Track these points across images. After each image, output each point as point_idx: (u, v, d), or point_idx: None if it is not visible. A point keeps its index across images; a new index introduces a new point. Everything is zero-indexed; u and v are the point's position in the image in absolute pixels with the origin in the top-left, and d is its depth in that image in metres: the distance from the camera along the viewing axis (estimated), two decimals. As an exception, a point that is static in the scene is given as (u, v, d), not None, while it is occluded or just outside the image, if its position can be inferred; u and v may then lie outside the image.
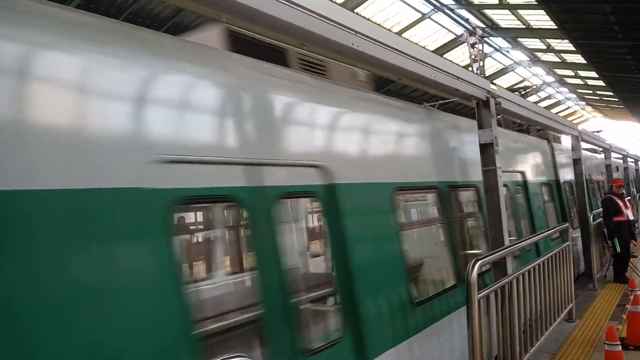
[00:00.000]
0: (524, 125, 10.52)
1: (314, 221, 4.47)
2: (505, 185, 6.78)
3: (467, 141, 6.34)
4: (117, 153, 2.51)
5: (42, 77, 2.32)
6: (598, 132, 20.25)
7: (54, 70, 2.36)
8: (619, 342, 4.48)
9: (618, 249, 8.66)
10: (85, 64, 2.51)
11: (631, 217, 9.23)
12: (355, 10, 18.90)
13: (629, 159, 19.68)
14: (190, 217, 3.96)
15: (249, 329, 3.57)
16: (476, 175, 5.93)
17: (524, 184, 8.37)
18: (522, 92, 17.53)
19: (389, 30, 20.77)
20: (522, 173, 8.40)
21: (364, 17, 19.38)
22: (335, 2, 17.81)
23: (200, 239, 4.34)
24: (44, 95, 2.30)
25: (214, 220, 4.34)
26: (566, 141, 11.79)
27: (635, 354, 5.13)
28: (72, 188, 2.27)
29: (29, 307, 2.04)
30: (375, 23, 19.94)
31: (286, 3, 3.06)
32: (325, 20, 3.41)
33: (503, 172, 5.83)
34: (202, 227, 4.43)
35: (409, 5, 20.56)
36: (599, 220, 9.19)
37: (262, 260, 3.27)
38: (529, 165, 8.83)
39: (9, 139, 2.10)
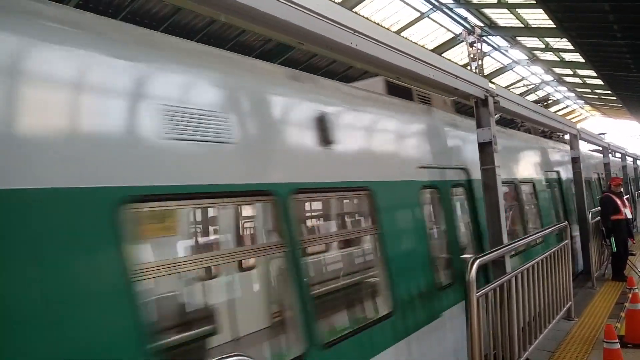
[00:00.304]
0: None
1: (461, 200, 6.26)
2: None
3: None
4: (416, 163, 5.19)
5: None
6: (603, 134, 20.34)
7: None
8: (617, 340, 4.49)
9: (614, 249, 8.69)
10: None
11: (629, 216, 9.24)
12: (354, 9, 18.91)
13: (627, 158, 19.69)
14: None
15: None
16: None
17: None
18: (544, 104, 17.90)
19: (387, 29, 20.78)
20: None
21: (363, 16, 19.38)
22: (334, 1, 17.81)
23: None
24: None
25: (433, 198, 5.64)
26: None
27: (633, 352, 5.15)
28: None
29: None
30: (374, 22, 19.94)
31: (285, 2, 3.06)
32: (324, 19, 3.41)
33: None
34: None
35: (407, 4, 20.57)
36: (597, 218, 9.21)
37: (451, 219, 5.67)
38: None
39: None
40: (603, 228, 8.99)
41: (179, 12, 15.52)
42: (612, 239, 8.60)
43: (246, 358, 2.03)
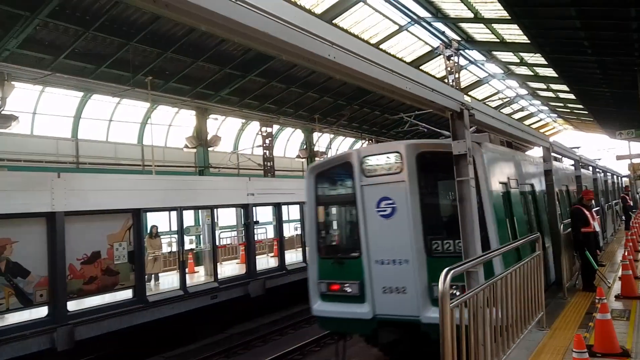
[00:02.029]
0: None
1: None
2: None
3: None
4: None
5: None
6: (577, 147, 20.87)
7: None
8: (586, 350, 4.58)
9: (596, 266, 8.89)
10: None
11: (597, 229, 9.48)
12: (334, 21, 19.05)
13: (597, 171, 20.19)
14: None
15: None
16: None
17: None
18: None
19: (366, 41, 20.99)
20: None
21: (342, 28, 19.55)
22: (313, 13, 17.93)
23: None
24: None
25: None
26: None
27: (602, 361, 5.26)
28: None
29: None
30: (353, 34, 20.12)
31: (262, 14, 3.08)
32: (302, 31, 3.44)
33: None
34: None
35: (386, 17, 20.82)
36: (568, 230, 9.41)
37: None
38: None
39: None
40: (576, 239, 9.15)
41: (157, 20, 15.40)
42: (588, 253, 8.78)
43: None
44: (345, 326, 8.04)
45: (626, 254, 9.26)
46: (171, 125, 22.84)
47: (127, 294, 11.08)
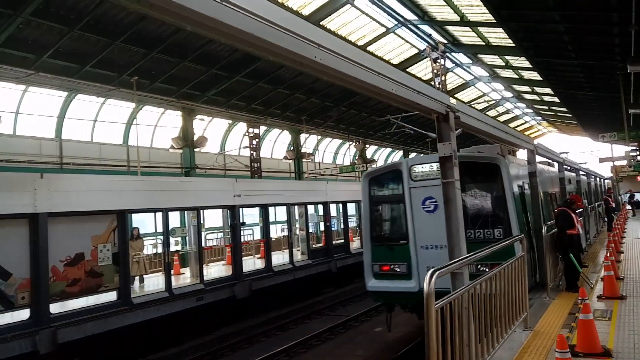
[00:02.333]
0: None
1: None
2: None
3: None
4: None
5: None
6: (566, 152, 21.24)
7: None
8: (568, 350, 4.64)
9: (580, 269, 9.03)
10: None
11: (581, 231, 9.64)
12: (321, 23, 19.07)
13: (581, 173, 20.48)
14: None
15: None
16: None
17: None
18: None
19: (354, 43, 21.06)
20: None
21: (330, 30, 19.59)
22: (301, 14, 17.93)
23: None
24: None
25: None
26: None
27: (584, 361, 5.33)
28: None
29: None
30: (341, 36, 20.18)
31: (248, 15, 3.07)
32: (287, 33, 3.44)
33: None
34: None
35: (373, 19, 20.91)
36: (553, 231, 9.54)
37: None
38: None
39: None
40: (562, 240, 9.27)
41: (143, 20, 15.28)
42: (572, 256, 8.92)
43: None
44: (395, 298, 9.95)
45: (608, 255, 9.39)
46: (157, 126, 22.67)
47: (111, 296, 10.95)
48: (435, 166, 9.56)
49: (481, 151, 10.89)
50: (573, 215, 9.32)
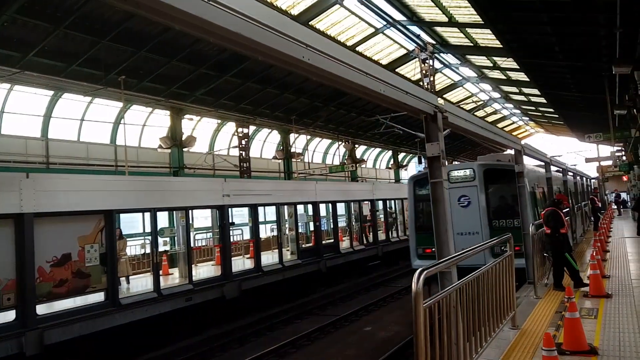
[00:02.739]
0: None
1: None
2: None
3: None
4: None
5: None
6: (559, 155, 21.64)
7: None
8: (554, 348, 4.68)
9: (576, 267, 9.13)
10: None
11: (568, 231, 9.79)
12: (310, 23, 19.07)
13: (568, 173, 20.69)
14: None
15: None
16: None
17: None
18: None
19: (343, 43, 21.08)
20: None
21: (319, 30, 19.59)
22: (290, 14, 17.91)
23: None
24: None
25: None
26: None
27: (570, 359, 5.39)
28: None
29: None
30: (330, 36, 20.19)
31: (235, 14, 3.06)
32: (275, 33, 3.43)
33: None
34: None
35: (362, 19, 20.95)
36: (540, 230, 9.64)
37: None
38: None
39: None
40: (556, 240, 9.36)
41: (131, 18, 15.15)
42: (568, 255, 9.04)
43: None
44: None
45: (594, 254, 9.49)
46: (145, 126, 22.50)
47: (99, 296, 10.86)
48: (467, 172, 12.38)
49: (499, 159, 13.29)
50: (562, 214, 9.45)
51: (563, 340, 5.78)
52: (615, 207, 34.69)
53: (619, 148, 31.92)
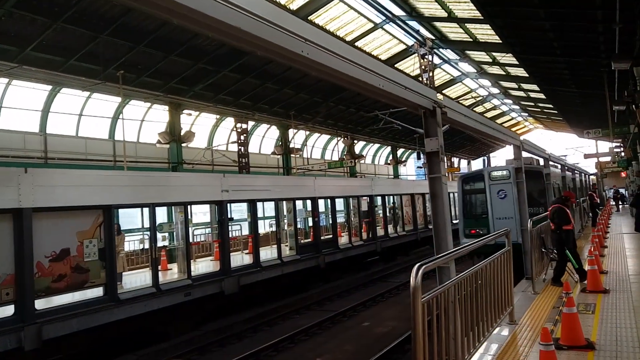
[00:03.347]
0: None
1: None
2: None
3: None
4: None
5: None
6: (564, 156, 22.01)
7: None
8: (552, 343, 4.70)
9: (576, 264, 9.14)
10: None
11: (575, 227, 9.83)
12: (309, 18, 19.01)
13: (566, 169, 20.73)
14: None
15: None
16: None
17: None
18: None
19: (342, 38, 21.03)
20: None
21: (318, 25, 19.53)
22: (289, 9, 17.85)
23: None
24: None
25: None
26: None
27: (568, 354, 5.41)
28: None
29: None
30: (329, 31, 20.13)
31: (235, 9, 3.05)
32: (274, 27, 3.42)
33: None
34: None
35: (361, 14, 20.89)
36: (538, 225, 9.67)
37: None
38: None
39: None
40: (559, 237, 9.37)
41: (128, 13, 15.09)
42: (568, 252, 9.06)
43: None
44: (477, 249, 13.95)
45: (592, 249, 9.53)
46: (144, 121, 22.46)
47: (97, 291, 10.87)
48: (505, 172, 15.88)
49: (526, 162, 15.07)
50: (568, 211, 9.47)
51: (560, 335, 5.81)
52: (614, 203, 34.78)
53: (618, 144, 31.97)
